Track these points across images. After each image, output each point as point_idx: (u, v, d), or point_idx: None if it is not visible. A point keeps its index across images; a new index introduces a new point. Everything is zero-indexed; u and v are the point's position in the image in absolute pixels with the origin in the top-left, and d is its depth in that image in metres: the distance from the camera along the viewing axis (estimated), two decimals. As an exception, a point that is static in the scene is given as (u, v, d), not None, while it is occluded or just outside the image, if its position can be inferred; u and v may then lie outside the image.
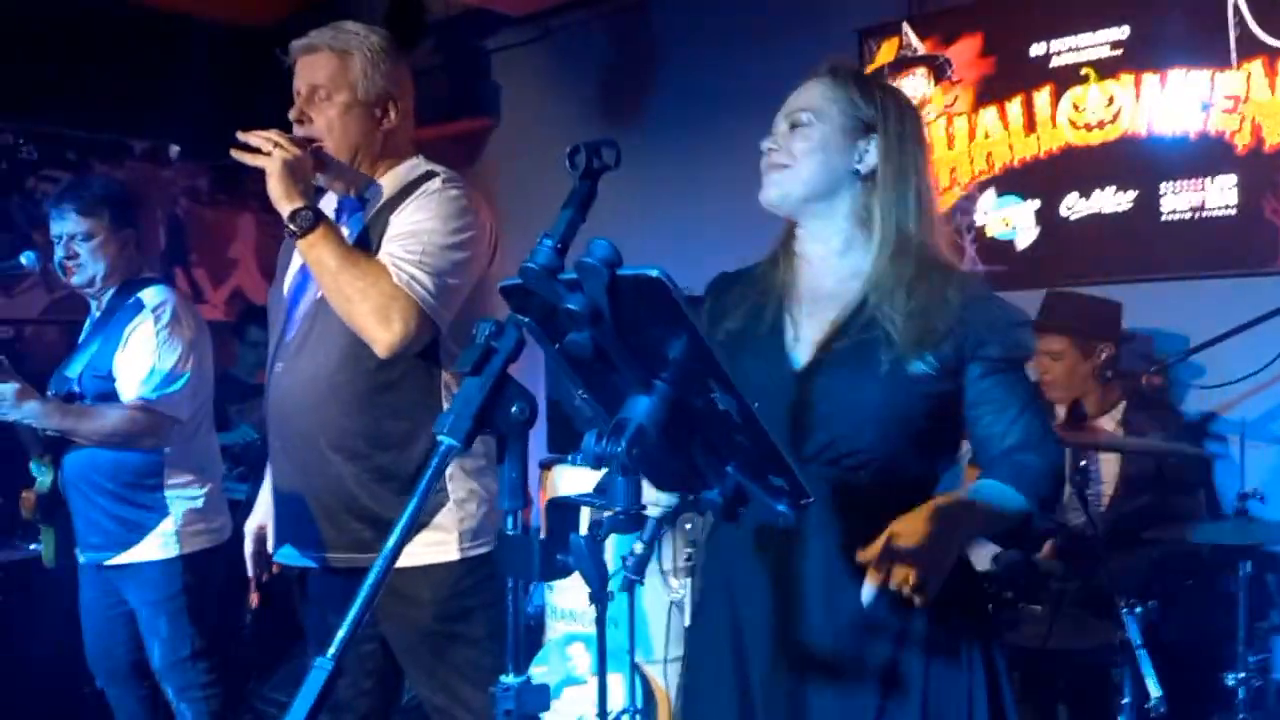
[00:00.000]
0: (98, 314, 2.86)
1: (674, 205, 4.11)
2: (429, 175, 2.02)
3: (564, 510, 1.14)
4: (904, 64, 3.63)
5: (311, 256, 1.90)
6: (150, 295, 2.79)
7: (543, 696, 1.05)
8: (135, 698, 2.94)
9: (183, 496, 2.79)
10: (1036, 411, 1.58)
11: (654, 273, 0.98)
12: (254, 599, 2.30)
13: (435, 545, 2.00)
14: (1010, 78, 3.38)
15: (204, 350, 2.84)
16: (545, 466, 3.39)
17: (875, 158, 1.59)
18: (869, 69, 3.56)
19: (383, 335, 1.87)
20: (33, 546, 3.19)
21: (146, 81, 4.66)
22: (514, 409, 1.04)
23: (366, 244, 1.97)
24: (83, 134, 4.81)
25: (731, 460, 1.12)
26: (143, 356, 2.71)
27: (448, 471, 2.01)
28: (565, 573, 1.05)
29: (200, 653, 2.81)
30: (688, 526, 2.38)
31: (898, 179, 1.59)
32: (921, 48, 3.60)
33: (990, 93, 3.43)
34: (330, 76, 1.99)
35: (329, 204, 2.12)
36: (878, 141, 1.59)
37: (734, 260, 1.73)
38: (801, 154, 1.59)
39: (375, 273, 1.89)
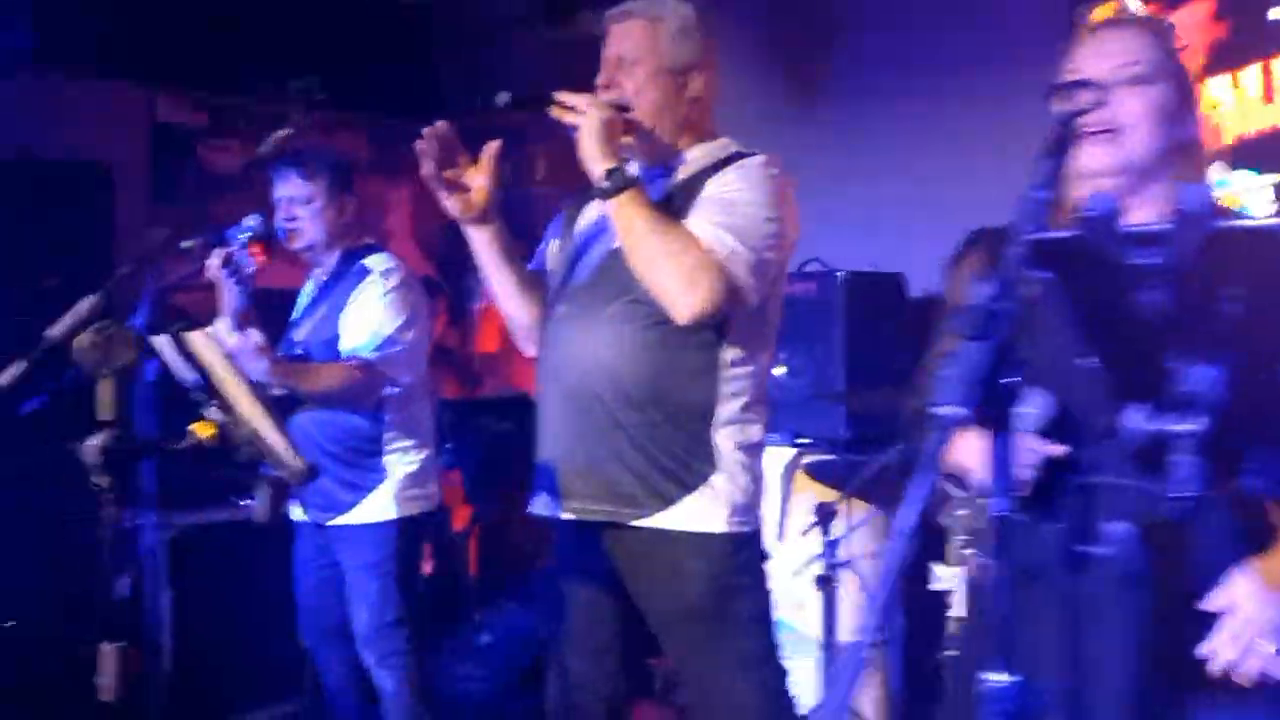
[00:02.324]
0: (323, 279, 2.87)
1: (855, 183, 3.99)
2: (743, 154, 2.00)
3: (1089, 494, 1.06)
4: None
5: (621, 216, 1.87)
6: (376, 260, 2.81)
7: (1037, 699, 0.96)
8: (342, 660, 2.96)
9: (401, 461, 2.80)
10: None
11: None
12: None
13: (706, 514, 1.96)
14: (1246, 43, 3.20)
15: (424, 317, 2.86)
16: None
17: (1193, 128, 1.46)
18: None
19: (686, 301, 1.84)
20: (245, 503, 3.21)
21: (310, 49, 4.69)
22: (1006, 379, 0.96)
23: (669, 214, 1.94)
24: (250, 102, 4.86)
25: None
26: (367, 317, 2.73)
27: (719, 442, 1.97)
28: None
29: (402, 619, 2.81)
30: (960, 513, 2.30)
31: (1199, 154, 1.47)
32: (1142, 9, 3.41)
33: (1222, 60, 3.26)
34: (639, 43, 1.98)
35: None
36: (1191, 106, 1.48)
37: (934, 240, 1.64)
38: (1137, 116, 1.43)
39: (685, 239, 1.86)
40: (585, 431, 1.98)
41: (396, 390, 2.76)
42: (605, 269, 1.99)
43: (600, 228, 2.05)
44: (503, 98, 1.88)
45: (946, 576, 2.27)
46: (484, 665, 3.84)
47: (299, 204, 2.79)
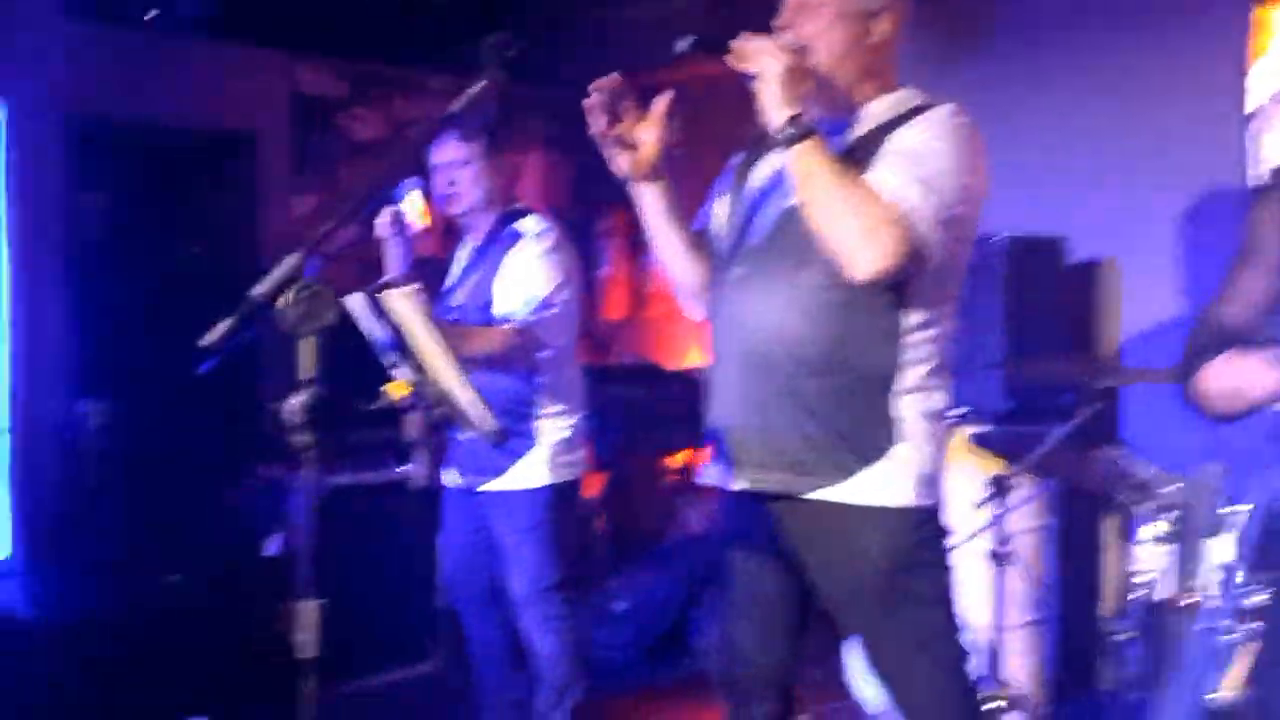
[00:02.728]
0: (477, 243, 2.87)
1: (1014, 142, 3.81)
2: (928, 105, 1.90)
3: None
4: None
5: (800, 166, 1.79)
6: (530, 223, 2.79)
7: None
8: (490, 624, 2.98)
9: (554, 426, 2.79)
10: None
11: None
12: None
13: (887, 487, 1.88)
14: None
15: (577, 280, 2.84)
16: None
17: None
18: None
19: (865, 258, 1.75)
20: (400, 468, 3.26)
21: (441, 16, 4.70)
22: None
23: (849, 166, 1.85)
24: (387, 70, 4.90)
25: None
26: (522, 279, 2.72)
27: (902, 410, 1.89)
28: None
29: (560, 584, 2.82)
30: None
31: None
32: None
33: None
34: None
35: None
36: None
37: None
38: None
39: (866, 192, 1.77)
40: (761, 399, 1.92)
41: (549, 353, 2.75)
42: (782, 228, 1.92)
43: (775, 184, 1.97)
44: (683, 43, 1.81)
45: (1147, 557, 2.15)
46: (620, 633, 3.85)
47: (457, 168, 2.78)
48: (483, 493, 2.80)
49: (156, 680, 3.14)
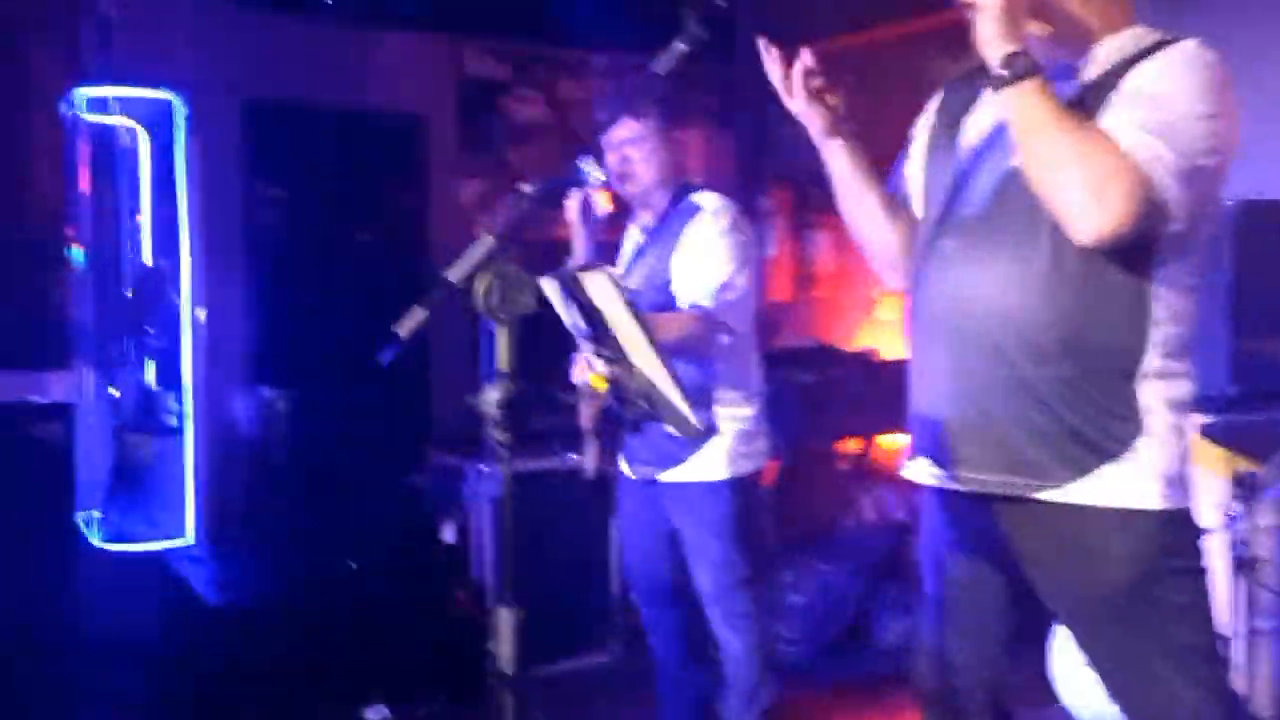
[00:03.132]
0: (651, 223, 2.75)
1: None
2: (1166, 42, 1.65)
3: None
4: None
5: (1019, 108, 1.58)
6: (706, 199, 2.65)
7: None
8: (672, 619, 2.86)
9: (734, 416, 2.65)
10: None
11: None
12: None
13: (1131, 486, 1.65)
14: None
15: (756, 259, 2.69)
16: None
17: None
18: None
19: (1092, 215, 1.53)
20: (574, 456, 3.18)
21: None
22: None
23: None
24: (550, 51, 4.84)
25: None
26: (702, 262, 2.57)
27: (1147, 399, 1.67)
28: None
29: (748, 580, 2.68)
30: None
31: None
32: None
33: None
34: None
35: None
36: None
37: None
38: None
39: (1096, 139, 1.54)
40: (980, 388, 1.71)
41: (729, 339, 2.60)
42: (1004, 191, 1.70)
43: (991, 142, 1.75)
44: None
45: None
46: (798, 627, 3.69)
47: (631, 145, 2.65)
48: (662, 483, 2.68)
49: (336, 667, 3.16)
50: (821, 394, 4.37)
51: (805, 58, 1.79)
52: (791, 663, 3.61)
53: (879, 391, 4.10)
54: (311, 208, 4.55)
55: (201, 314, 4.00)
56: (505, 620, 1.38)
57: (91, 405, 4.14)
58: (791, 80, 1.82)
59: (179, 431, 4.10)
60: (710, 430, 2.59)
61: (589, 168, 2.63)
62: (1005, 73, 1.57)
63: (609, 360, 1.39)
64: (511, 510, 1.37)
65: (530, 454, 3.59)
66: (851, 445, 4.52)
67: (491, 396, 1.32)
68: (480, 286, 1.30)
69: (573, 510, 3.54)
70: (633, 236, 2.84)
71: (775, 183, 5.14)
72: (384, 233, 4.72)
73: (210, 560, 3.53)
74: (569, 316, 1.43)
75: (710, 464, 2.62)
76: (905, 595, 3.75)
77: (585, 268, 1.36)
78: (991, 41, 1.59)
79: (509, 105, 4.76)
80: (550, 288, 1.39)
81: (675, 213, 2.67)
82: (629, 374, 1.37)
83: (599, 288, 1.35)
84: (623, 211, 2.86)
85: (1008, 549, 1.76)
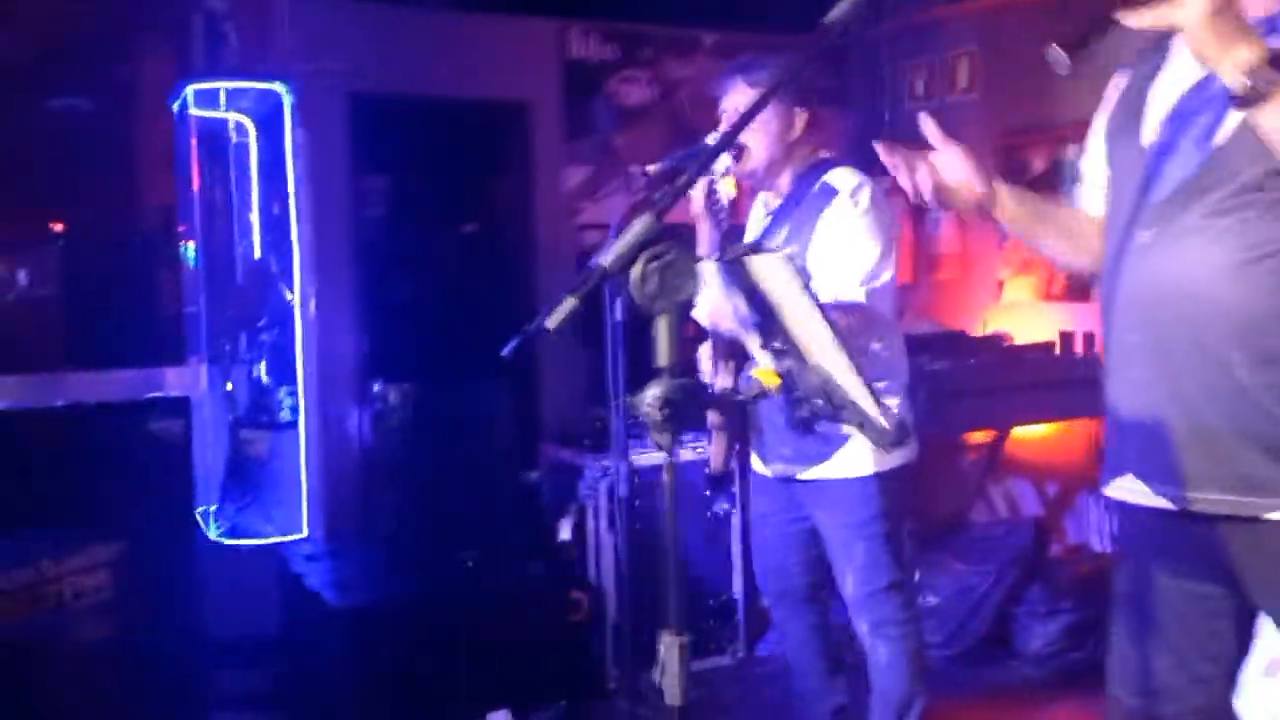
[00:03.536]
0: (775, 205, 2.56)
1: None
2: None
3: None
4: None
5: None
6: (841, 178, 2.44)
7: None
8: (805, 623, 2.70)
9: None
10: None
11: None
12: None
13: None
14: None
15: (897, 239, 2.49)
16: None
17: None
18: None
19: None
20: (699, 449, 3.02)
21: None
22: None
23: None
24: (656, 30, 4.68)
25: None
26: (846, 251, 2.37)
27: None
28: None
29: (896, 584, 2.49)
30: None
31: None
32: None
33: None
34: None
35: None
36: None
37: None
38: None
39: None
40: (1193, 396, 1.52)
41: (882, 336, 2.41)
42: (1207, 177, 1.50)
43: (1182, 124, 1.55)
44: (1060, 57, 1.41)
45: None
46: (936, 630, 3.48)
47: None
48: (800, 481, 2.51)
49: (456, 670, 3.06)
50: (951, 382, 4.14)
51: (929, 174, 1.61)
52: (934, 669, 3.41)
53: (1012, 380, 3.86)
54: (416, 200, 4.48)
55: (312, 305, 3.96)
56: (672, 649, 1.20)
57: (207, 400, 4.14)
58: (926, 190, 1.64)
59: (293, 426, 4.07)
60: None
61: (715, 140, 2.45)
62: (1248, 91, 1.35)
63: (778, 353, 1.23)
64: (675, 525, 1.21)
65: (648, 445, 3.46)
66: (982, 437, 4.28)
67: (651, 395, 1.17)
68: (637, 273, 1.15)
69: (691, 506, 3.39)
70: (757, 218, 2.65)
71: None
72: (489, 224, 4.63)
73: (326, 557, 3.47)
74: (729, 307, 1.26)
75: (856, 459, 2.44)
76: (1051, 599, 3.51)
77: (755, 248, 1.20)
78: (1214, 55, 1.37)
79: (615, 88, 4.61)
80: (711, 272, 1.23)
81: (806, 195, 2.47)
82: (803, 368, 1.20)
83: (772, 271, 1.19)
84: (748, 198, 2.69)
85: (1234, 572, 1.55)
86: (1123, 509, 1.66)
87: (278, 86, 3.96)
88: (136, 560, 3.33)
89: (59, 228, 4.82)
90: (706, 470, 2.80)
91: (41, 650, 3.33)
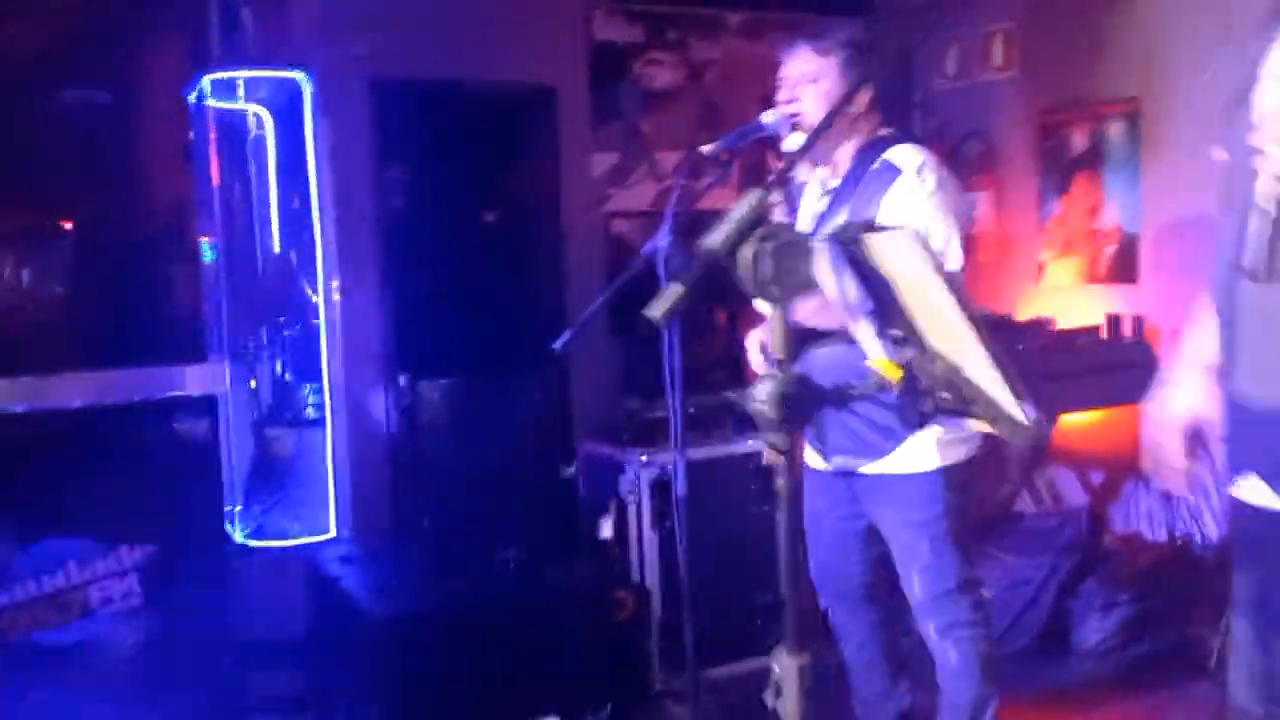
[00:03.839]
0: (832, 184, 2.43)
1: None
2: None
3: None
4: None
5: None
6: (904, 155, 2.31)
7: None
8: (865, 624, 2.59)
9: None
10: None
11: None
12: None
13: None
14: None
15: (967, 221, 2.36)
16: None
17: None
18: None
19: None
20: (751, 442, 2.91)
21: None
22: None
23: None
24: (683, 10, 4.55)
25: None
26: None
27: None
28: None
29: (965, 584, 2.38)
30: None
31: None
32: None
33: None
34: None
35: None
36: None
37: None
38: None
39: None
40: None
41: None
42: None
43: None
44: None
45: None
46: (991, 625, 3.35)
47: (805, 82, 2.33)
48: (861, 476, 2.39)
49: (500, 675, 2.95)
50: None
51: None
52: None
53: (1060, 365, 3.73)
54: (440, 188, 4.36)
55: (337, 294, 3.84)
56: (790, 670, 1.08)
57: (230, 399, 4.03)
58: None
59: (319, 423, 3.96)
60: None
61: (772, 118, 2.33)
62: None
63: (897, 342, 1.11)
64: (794, 533, 1.09)
65: (704, 439, 3.34)
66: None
67: (765, 391, 1.05)
68: (747, 255, 1.03)
69: (745, 499, 3.28)
70: (812, 197, 2.53)
71: (928, 142, 4.77)
72: (514, 212, 4.50)
73: (362, 559, 3.36)
74: (840, 291, 1.15)
75: (920, 453, 2.32)
76: (1108, 591, 3.39)
77: (872, 225, 1.09)
78: None
79: (641, 71, 4.49)
80: (823, 252, 1.11)
81: (866, 173, 2.35)
82: (926, 358, 1.09)
83: (898, 251, 1.07)
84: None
85: None
86: (1245, 510, 1.54)
87: (297, 75, 3.84)
88: (167, 565, 3.22)
89: (67, 224, 4.70)
90: (754, 461, 2.69)
91: (70, 659, 3.24)
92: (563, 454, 3.78)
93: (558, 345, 2.21)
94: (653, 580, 3.26)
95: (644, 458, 3.28)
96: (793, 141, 2.29)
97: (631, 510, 3.32)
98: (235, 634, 3.54)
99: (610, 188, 4.46)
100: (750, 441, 2.92)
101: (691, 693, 2.53)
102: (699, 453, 3.23)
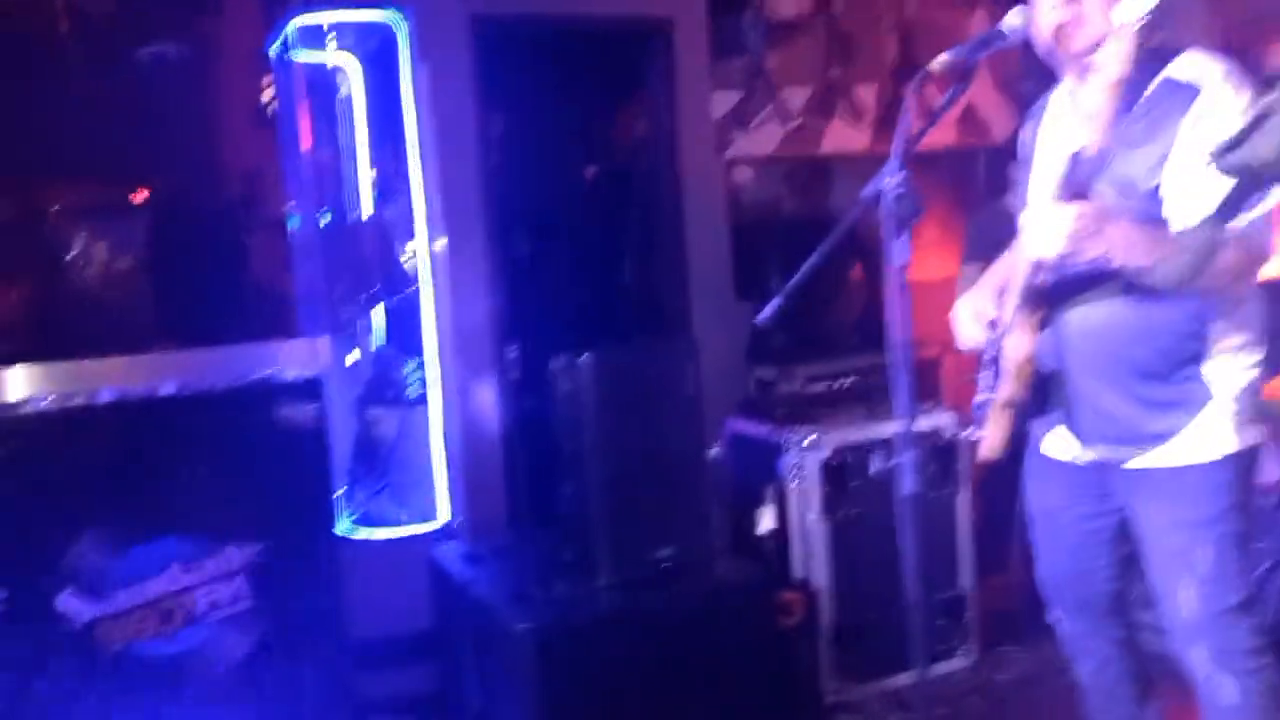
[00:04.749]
0: (1084, 95, 1.95)
1: None
2: None
3: None
4: None
5: None
6: (1204, 70, 1.82)
7: None
8: (1109, 639, 2.17)
9: (1235, 367, 1.89)
10: None
11: None
12: None
13: None
14: None
15: None
16: None
17: None
18: None
19: None
20: (969, 431, 2.47)
21: None
22: None
23: None
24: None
25: None
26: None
27: None
28: None
29: (1248, 603, 1.94)
30: None
31: None
32: None
33: None
34: None
35: None
36: None
37: None
38: None
39: None
40: None
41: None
42: None
43: None
44: None
45: None
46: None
47: None
48: (1125, 470, 1.96)
49: (655, 688, 2.59)
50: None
51: None
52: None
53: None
54: (548, 138, 3.96)
55: (440, 266, 3.47)
56: None
57: (329, 377, 3.69)
58: None
59: (423, 401, 3.62)
60: (1203, 392, 1.87)
61: (1020, 20, 1.87)
62: None
63: None
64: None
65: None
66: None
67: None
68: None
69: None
70: (1056, 114, 2.05)
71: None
72: (625, 161, 4.09)
73: (487, 557, 3.01)
74: None
75: (1203, 439, 1.88)
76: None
77: None
78: None
79: (765, 1, 4.03)
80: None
81: (1151, 93, 1.86)
82: None
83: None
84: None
85: None
86: None
87: (390, 16, 3.45)
88: (276, 564, 2.91)
89: (143, 193, 4.38)
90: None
91: (176, 670, 2.95)
92: (699, 433, 3.37)
93: (760, 319, 1.80)
94: (820, 579, 2.86)
95: (813, 436, 2.87)
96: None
97: (793, 499, 2.92)
98: (353, 632, 3.22)
99: (733, 131, 4.02)
100: (924, 420, 2.49)
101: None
102: (859, 433, 2.82)
